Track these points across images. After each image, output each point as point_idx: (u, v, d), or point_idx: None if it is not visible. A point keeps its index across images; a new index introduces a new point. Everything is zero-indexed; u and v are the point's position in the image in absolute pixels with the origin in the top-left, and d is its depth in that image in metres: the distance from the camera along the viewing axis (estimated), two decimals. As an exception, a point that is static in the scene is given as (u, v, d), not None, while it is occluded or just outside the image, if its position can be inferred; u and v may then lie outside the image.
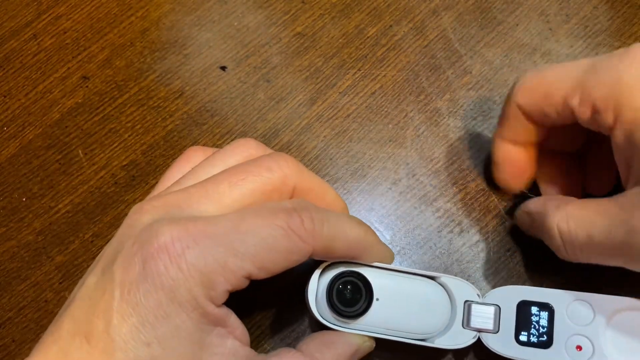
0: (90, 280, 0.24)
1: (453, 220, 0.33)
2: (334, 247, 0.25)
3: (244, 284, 0.24)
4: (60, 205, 0.34)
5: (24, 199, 0.35)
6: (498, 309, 0.28)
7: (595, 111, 0.25)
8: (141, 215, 0.24)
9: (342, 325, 0.26)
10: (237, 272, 0.23)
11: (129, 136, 0.36)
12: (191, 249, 0.22)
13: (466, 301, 0.28)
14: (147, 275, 0.22)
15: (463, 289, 0.28)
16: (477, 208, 0.33)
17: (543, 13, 0.37)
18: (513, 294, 0.28)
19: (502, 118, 0.30)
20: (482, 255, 0.32)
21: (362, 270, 0.27)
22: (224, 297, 0.23)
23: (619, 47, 0.36)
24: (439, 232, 0.33)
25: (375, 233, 0.27)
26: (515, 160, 0.30)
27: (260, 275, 0.23)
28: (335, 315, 0.26)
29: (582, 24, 0.37)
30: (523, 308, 0.27)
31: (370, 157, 0.34)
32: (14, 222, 0.34)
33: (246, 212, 0.24)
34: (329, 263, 0.27)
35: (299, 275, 0.29)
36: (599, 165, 0.31)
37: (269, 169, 0.26)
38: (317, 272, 0.27)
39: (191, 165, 0.28)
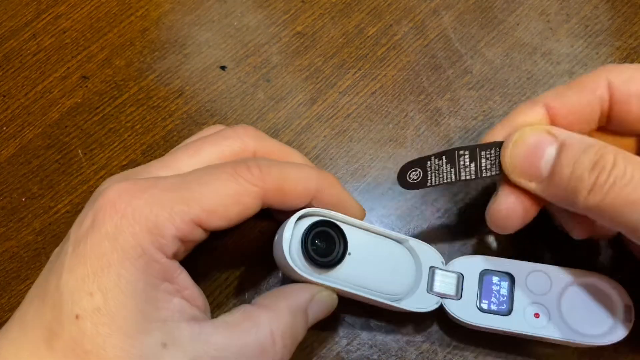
0: (55, 250, 0.25)
1: (453, 220, 0.33)
2: (286, 189, 0.25)
3: (197, 233, 0.24)
4: (59, 205, 0.34)
5: (23, 199, 0.35)
6: (461, 276, 0.29)
7: None
8: (104, 183, 0.25)
9: (313, 276, 0.26)
10: (185, 217, 0.23)
11: (129, 136, 0.36)
12: (137, 199, 0.23)
13: (431, 267, 0.29)
14: (94, 227, 0.23)
15: (429, 255, 0.29)
16: (477, 208, 0.33)
17: (543, 12, 0.37)
18: (476, 262, 0.29)
19: (571, 88, 0.25)
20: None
21: (338, 223, 0.27)
22: (174, 246, 0.23)
23: (620, 46, 0.36)
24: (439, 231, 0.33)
25: (337, 181, 0.27)
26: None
27: (212, 220, 0.23)
28: (308, 264, 0.26)
29: (583, 23, 0.37)
30: (485, 277, 0.29)
31: (370, 156, 0.34)
32: (14, 222, 0.34)
33: (196, 168, 0.25)
34: (303, 213, 0.26)
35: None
36: None
37: (226, 137, 0.26)
38: (293, 218, 0.26)
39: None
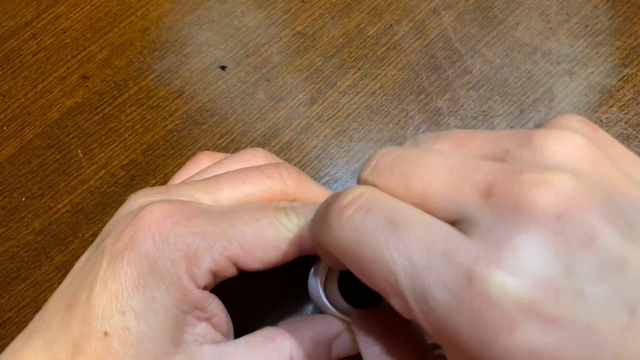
0: (83, 257, 0.25)
1: (453, 220, 0.33)
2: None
3: (231, 270, 0.23)
4: (59, 205, 0.34)
5: (23, 199, 0.35)
6: None
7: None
8: (139, 197, 0.25)
9: (344, 314, 0.25)
10: (224, 252, 0.23)
11: (129, 136, 0.36)
12: (182, 226, 0.23)
13: None
14: (134, 245, 0.22)
15: None
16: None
17: (543, 12, 0.37)
18: None
19: (315, 225, 0.21)
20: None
21: None
22: (207, 279, 0.23)
23: (620, 46, 0.36)
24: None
25: None
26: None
27: (248, 261, 0.23)
28: (343, 303, 0.25)
29: (583, 23, 0.37)
30: None
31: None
32: (14, 222, 0.34)
33: (239, 206, 0.25)
34: None
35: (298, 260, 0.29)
36: None
37: (270, 176, 0.26)
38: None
39: (199, 169, 0.28)
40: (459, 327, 0.15)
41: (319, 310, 0.26)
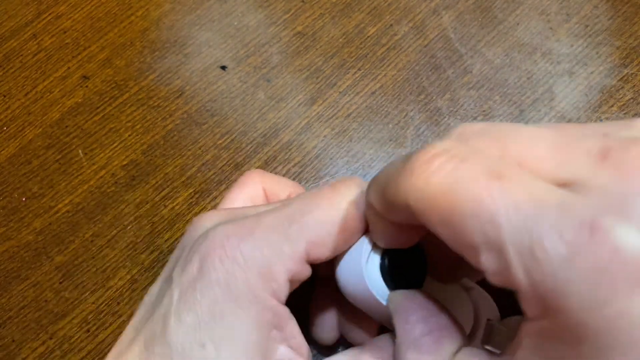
0: (154, 289, 0.24)
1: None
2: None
3: (306, 270, 0.22)
4: (60, 205, 0.34)
5: (23, 199, 0.35)
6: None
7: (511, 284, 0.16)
8: (203, 221, 0.24)
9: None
10: (294, 255, 0.22)
11: (129, 136, 0.36)
12: (246, 241, 0.22)
13: (489, 320, 0.26)
14: (204, 273, 0.21)
15: (488, 307, 0.27)
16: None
17: (544, 12, 0.37)
18: None
19: (383, 194, 0.20)
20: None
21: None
22: (285, 290, 0.22)
23: (620, 46, 0.36)
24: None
25: None
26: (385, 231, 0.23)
27: (320, 253, 0.22)
28: (384, 288, 0.23)
29: (583, 23, 0.37)
30: None
31: (370, 156, 0.34)
32: (14, 221, 0.34)
33: (296, 196, 0.24)
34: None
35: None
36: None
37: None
38: (365, 239, 0.24)
39: (250, 191, 0.27)
40: (569, 285, 0.14)
41: (353, 298, 0.24)
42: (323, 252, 0.22)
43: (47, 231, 0.34)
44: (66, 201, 0.34)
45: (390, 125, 0.35)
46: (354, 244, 0.23)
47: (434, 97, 0.35)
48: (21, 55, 0.38)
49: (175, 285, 0.22)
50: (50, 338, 0.32)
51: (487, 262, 0.16)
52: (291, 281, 0.22)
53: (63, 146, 0.36)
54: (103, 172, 0.35)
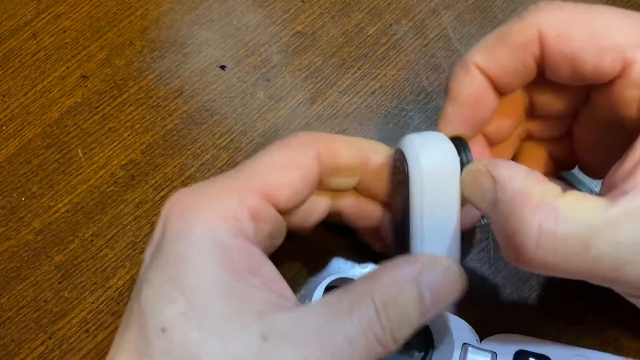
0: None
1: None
2: (338, 148, 0.24)
3: (271, 212, 0.23)
4: (59, 205, 0.34)
5: (23, 199, 0.35)
6: (494, 356, 0.27)
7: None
8: None
9: None
10: (252, 194, 0.22)
11: (129, 135, 0.36)
12: (201, 193, 0.22)
13: (464, 344, 0.27)
14: (165, 233, 0.21)
15: (463, 331, 0.27)
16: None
17: (543, 12, 0.37)
18: (511, 342, 0.27)
19: (499, 43, 0.22)
20: (483, 254, 0.32)
21: None
22: (249, 228, 0.22)
23: (620, 46, 0.36)
24: (439, 231, 0.33)
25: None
26: (487, 104, 0.23)
27: (280, 193, 0.23)
28: None
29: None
30: (520, 358, 0.26)
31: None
32: (13, 221, 0.34)
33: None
34: (333, 279, 0.26)
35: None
36: (591, 147, 0.26)
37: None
38: (323, 284, 0.25)
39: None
40: None
41: None
42: (283, 193, 0.23)
43: (47, 231, 0.34)
44: (65, 201, 0.34)
45: (390, 125, 0.35)
46: (312, 186, 0.24)
47: (434, 97, 0.35)
48: (20, 54, 0.38)
49: (145, 259, 0.22)
50: (50, 338, 0.32)
51: (638, 53, 0.19)
52: (256, 219, 0.22)
53: (62, 146, 0.36)
54: (102, 171, 0.35)
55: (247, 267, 0.21)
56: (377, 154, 0.25)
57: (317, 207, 0.26)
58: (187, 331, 0.19)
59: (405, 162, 0.22)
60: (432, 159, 0.22)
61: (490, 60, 0.23)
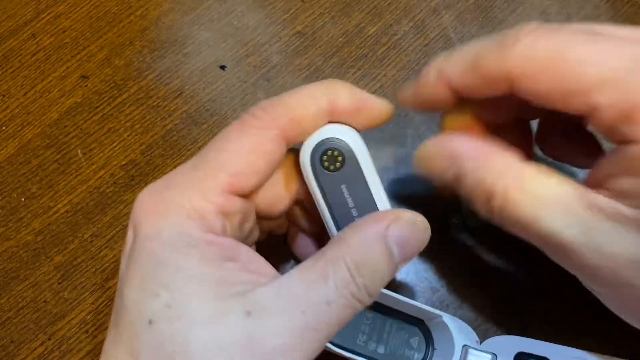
0: None
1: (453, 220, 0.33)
2: (299, 117, 0.23)
3: (236, 202, 0.23)
4: (59, 205, 0.34)
5: (22, 199, 0.35)
6: (495, 357, 0.27)
7: (626, 118, 0.19)
8: None
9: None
10: (216, 189, 0.22)
11: (128, 136, 0.36)
12: (165, 192, 0.22)
13: (464, 345, 0.27)
14: (137, 235, 0.22)
15: (463, 332, 0.28)
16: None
17: (544, 12, 0.37)
18: (512, 344, 0.27)
19: (470, 67, 0.23)
20: (483, 255, 0.32)
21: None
22: (218, 222, 0.22)
23: (620, 46, 0.36)
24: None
25: (347, 84, 0.24)
26: (438, 102, 0.25)
27: (243, 182, 0.22)
28: None
29: (583, 23, 0.36)
30: None
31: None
32: (13, 222, 0.34)
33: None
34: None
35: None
36: (556, 131, 0.27)
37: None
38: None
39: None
40: None
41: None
42: (247, 181, 0.23)
43: (46, 231, 0.34)
44: (65, 201, 0.34)
45: (390, 125, 0.35)
46: (277, 164, 0.24)
47: (434, 97, 0.35)
48: (20, 54, 0.38)
49: (122, 263, 0.22)
50: (49, 339, 0.32)
51: (602, 97, 0.19)
52: (224, 213, 0.22)
53: (62, 146, 0.36)
54: (102, 172, 0.35)
55: (221, 255, 0.21)
56: (341, 97, 0.24)
57: (276, 159, 0.25)
58: (173, 321, 0.20)
59: (341, 147, 0.25)
60: (357, 138, 0.25)
61: (457, 77, 0.23)
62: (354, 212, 0.25)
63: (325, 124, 0.24)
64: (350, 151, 0.24)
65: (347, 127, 0.25)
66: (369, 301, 0.22)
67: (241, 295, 0.21)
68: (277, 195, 0.26)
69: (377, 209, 0.25)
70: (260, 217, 0.26)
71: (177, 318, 0.20)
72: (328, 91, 0.24)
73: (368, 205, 0.25)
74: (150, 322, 0.20)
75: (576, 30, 0.21)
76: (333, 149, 0.24)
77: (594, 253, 0.20)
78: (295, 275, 0.21)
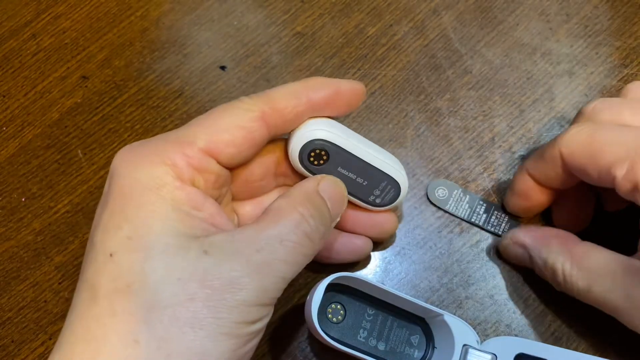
0: None
1: (453, 221, 0.33)
2: (280, 106, 0.25)
3: (212, 163, 0.24)
4: (59, 206, 0.34)
5: (23, 199, 0.35)
6: (495, 358, 0.27)
7: (636, 189, 0.24)
8: None
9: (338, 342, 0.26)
10: (193, 146, 0.23)
11: (129, 136, 0.36)
12: (145, 145, 0.24)
13: (464, 345, 0.27)
14: (111, 181, 0.23)
15: (464, 332, 0.28)
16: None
17: (543, 13, 0.37)
18: (512, 345, 0.27)
19: (540, 157, 0.29)
20: (483, 255, 0.32)
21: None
22: (189, 173, 0.23)
23: (620, 46, 0.36)
24: (439, 232, 0.33)
25: (321, 78, 0.27)
26: (535, 197, 0.30)
27: (222, 149, 0.24)
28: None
29: (583, 23, 0.36)
30: None
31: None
32: (13, 222, 0.34)
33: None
34: (336, 277, 0.26)
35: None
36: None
37: None
38: (324, 282, 0.26)
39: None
40: None
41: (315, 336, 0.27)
42: (224, 150, 0.24)
43: (47, 231, 0.34)
44: (65, 201, 0.34)
45: (390, 125, 0.35)
46: (258, 146, 0.25)
47: (434, 97, 0.35)
48: (20, 55, 0.38)
49: (97, 209, 0.24)
50: (50, 338, 0.32)
51: (619, 171, 0.24)
52: (197, 169, 0.24)
53: (62, 146, 0.36)
54: (102, 172, 0.35)
55: (187, 202, 0.23)
56: (316, 91, 0.26)
57: (255, 139, 0.26)
58: (131, 252, 0.21)
59: (324, 145, 0.26)
60: (337, 129, 0.27)
61: (534, 168, 0.30)
62: (360, 180, 0.28)
63: (308, 119, 0.26)
64: (333, 144, 0.26)
65: (325, 121, 0.26)
66: (318, 243, 0.24)
67: (200, 237, 0.22)
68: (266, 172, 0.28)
69: (380, 170, 0.28)
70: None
71: (136, 250, 0.21)
72: (306, 88, 0.26)
73: (370, 170, 0.28)
74: (111, 254, 0.21)
75: (632, 104, 0.27)
76: (316, 149, 0.26)
77: (637, 313, 0.24)
78: (249, 225, 0.23)
